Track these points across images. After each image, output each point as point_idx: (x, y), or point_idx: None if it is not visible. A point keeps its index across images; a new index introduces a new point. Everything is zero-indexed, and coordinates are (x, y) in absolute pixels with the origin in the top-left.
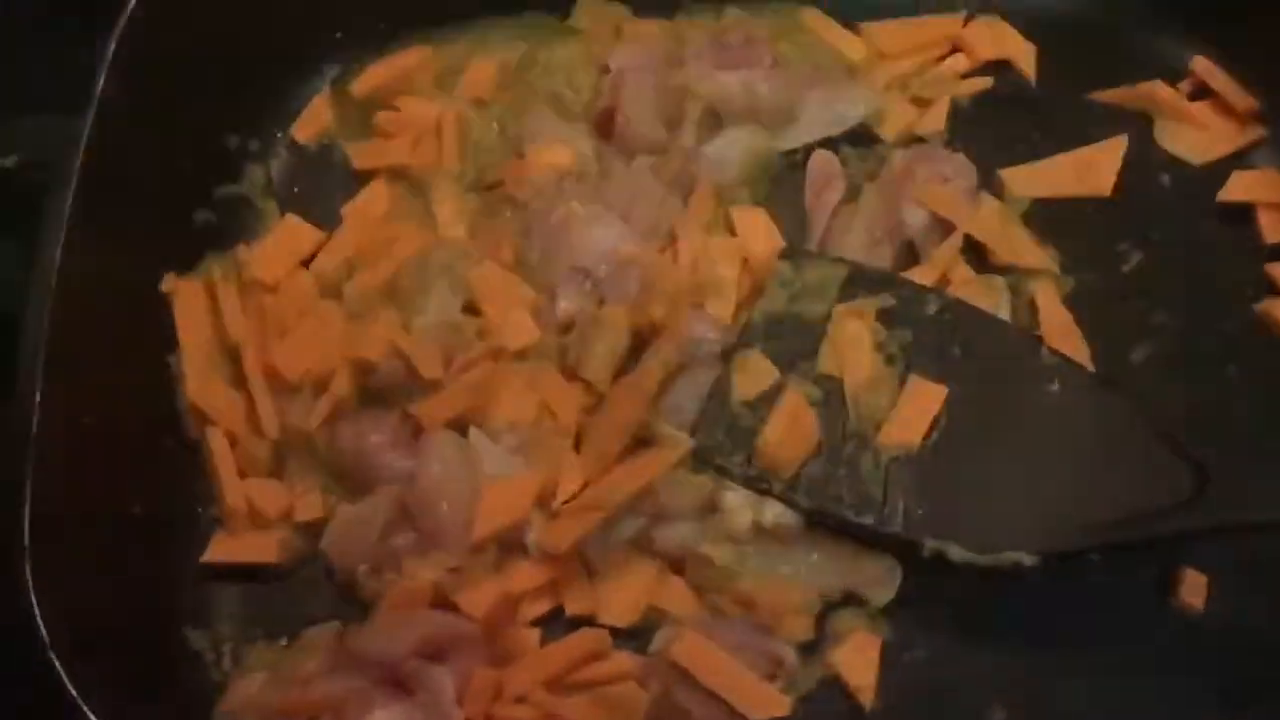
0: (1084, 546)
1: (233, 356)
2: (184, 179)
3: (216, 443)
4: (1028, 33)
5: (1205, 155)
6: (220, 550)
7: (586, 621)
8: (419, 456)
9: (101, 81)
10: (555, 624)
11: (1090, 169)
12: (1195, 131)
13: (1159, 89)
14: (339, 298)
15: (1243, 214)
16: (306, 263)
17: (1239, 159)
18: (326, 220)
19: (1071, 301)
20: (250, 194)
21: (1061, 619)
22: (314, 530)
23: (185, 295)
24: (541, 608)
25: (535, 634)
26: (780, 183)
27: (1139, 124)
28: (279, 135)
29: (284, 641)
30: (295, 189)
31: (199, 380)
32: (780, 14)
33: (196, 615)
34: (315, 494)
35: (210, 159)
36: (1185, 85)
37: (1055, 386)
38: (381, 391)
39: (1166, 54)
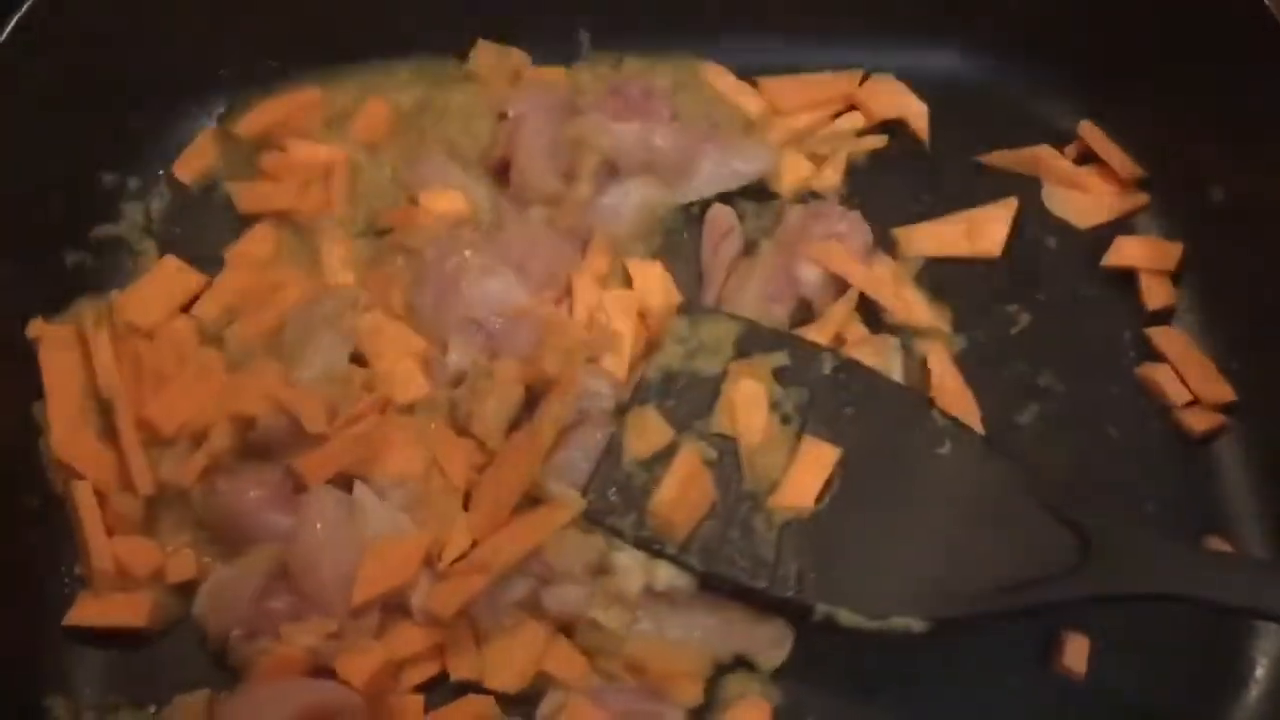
0: (971, 614)
1: (103, 406)
2: (56, 218)
3: (83, 498)
4: (921, 93)
5: (1090, 219)
6: (85, 613)
7: (472, 687)
8: (300, 514)
9: None
10: (439, 690)
11: (981, 230)
12: (1081, 196)
13: (1046, 153)
14: (220, 345)
15: (1126, 278)
16: (186, 308)
17: (1123, 224)
18: (208, 264)
19: (962, 361)
20: (127, 235)
21: (950, 684)
22: (186, 592)
23: (53, 341)
24: (425, 673)
25: (418, 701)
26: (676, 236)
27: (1027, 186)
28: (159, 173)
29: (152, 710)
30: (175, 230)
31: (65, 431)
32: (679, 66)
33: (58, 681)
34: (188, 553)
35: (85, 197)
36: (1072, 150)
37: (945, 450)
38: (262, 445)
39: (1054, 118)
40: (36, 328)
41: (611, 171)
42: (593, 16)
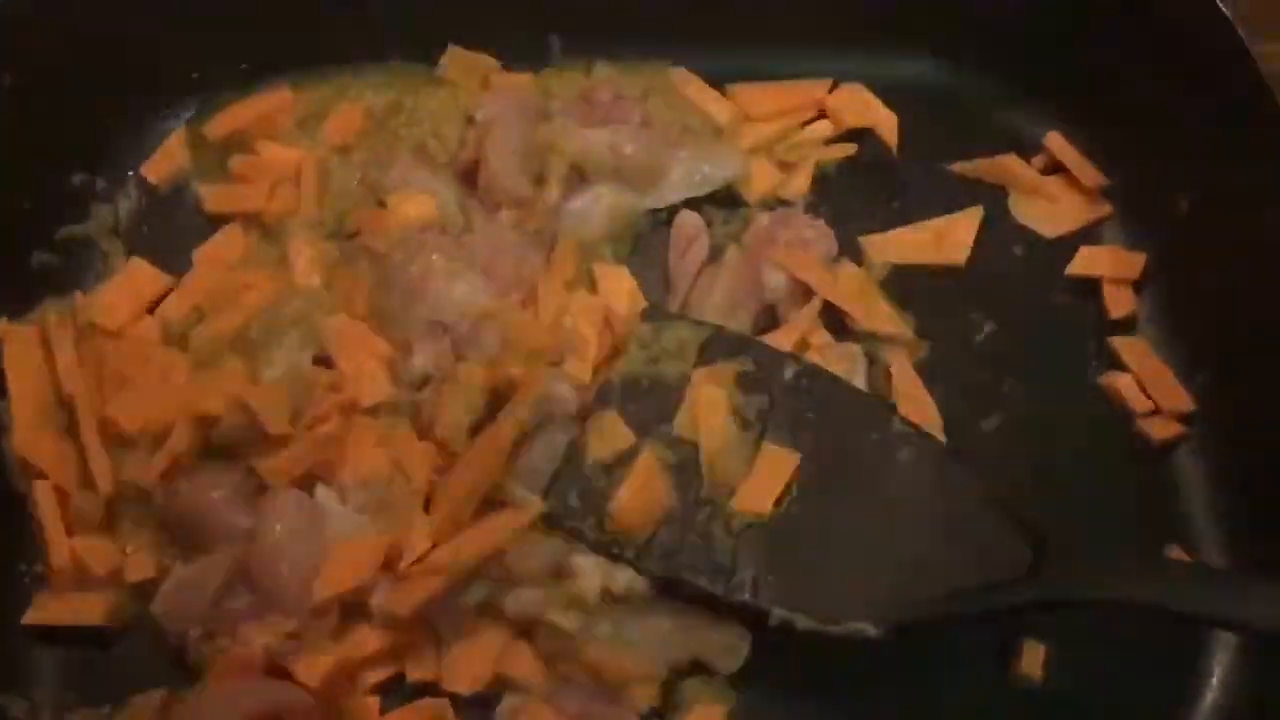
0: (926, 619)
1: (67, 406)
2: (23, 218)
3: (43, 497)
4: (890, 102)
5: (1056, 229)
6: (43, 611)
7: (430, 689)
8: (260, 515)
9: None
10: (397, 692)
11: (947, 238)
12: (1047, 205)
13: (1013, 162)
14: (185, 346)
15: (1090, 287)
16: (152, 309)
17: (1088, 234)
18: (176, 265)
19: (925, 369)
20: (95, 235)
21: (906, 689)
22: (145, 591)
23: (17, 341)
24: (382, 674)
25: (375, 703)
26: (644, 241)
27: (994, 195)
28: (129, 174)
29: (107, 710)
30: (144, 231)
31: (28, 430)
32: (650, 73)
33: (14, 680)
34: (148, 553)
35: (53, 197)
36: (1039, 160)
37: (905, 456)
38: (225, 446)
39: (1022, 128)
40: (0, 328)
41: (580, 176)
42: (563, 22)
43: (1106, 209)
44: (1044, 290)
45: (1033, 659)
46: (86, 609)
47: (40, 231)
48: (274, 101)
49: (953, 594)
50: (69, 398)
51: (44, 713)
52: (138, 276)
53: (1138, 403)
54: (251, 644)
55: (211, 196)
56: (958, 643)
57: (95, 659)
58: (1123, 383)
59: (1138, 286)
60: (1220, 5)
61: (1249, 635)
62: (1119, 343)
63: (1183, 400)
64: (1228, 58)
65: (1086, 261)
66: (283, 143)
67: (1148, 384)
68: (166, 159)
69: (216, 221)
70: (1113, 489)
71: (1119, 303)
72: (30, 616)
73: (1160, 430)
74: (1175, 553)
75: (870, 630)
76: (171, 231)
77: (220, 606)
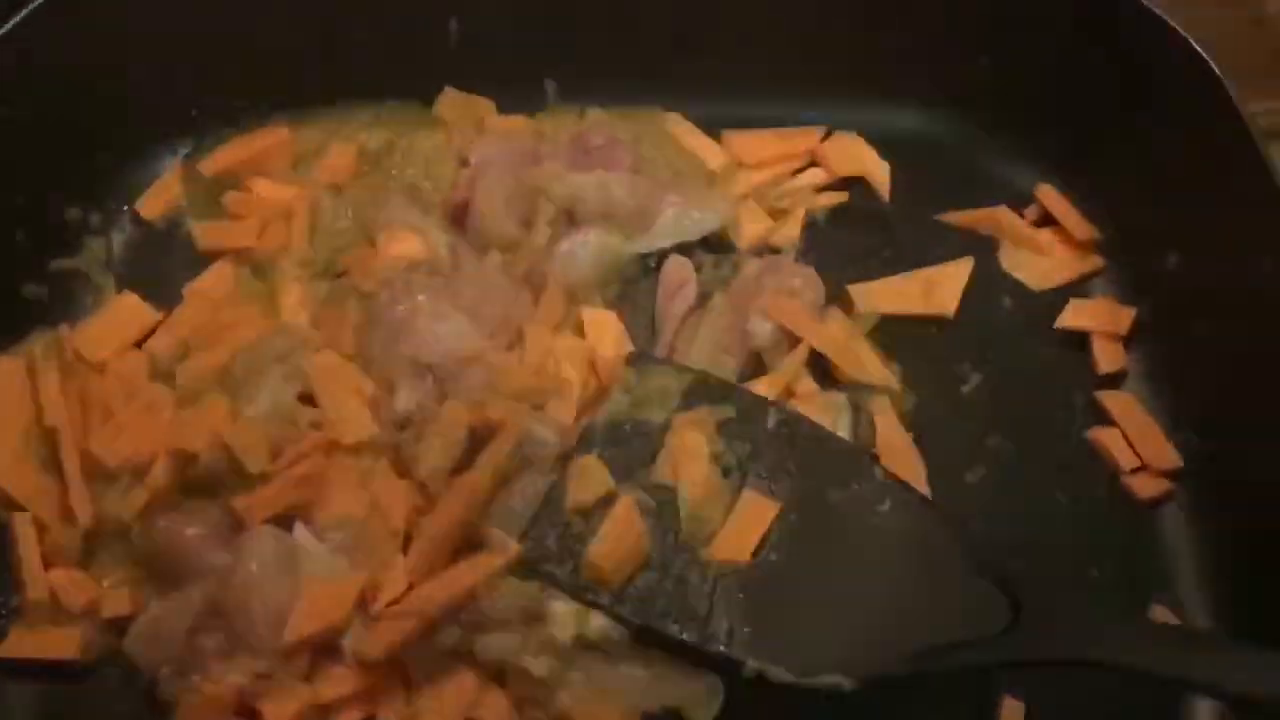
0: (901, 674)
1: (49, 438)
2: (14, 250)
3: (21, 529)
4: (883, 152)
5: (1046, 281)
6: (17, 645)
7: None
8: (237, 553)
9: None
10: None
11: (936, 288)
12: (1037, 257)
13: (1004, 214)
14: (171, 381)
15: (1079, 341)
16: (141, 343)
17: (1077, 287)
18: (167, 300)
19: (911, 419)
20: (87, 269)
21: None
22: (120, 627)
23: (2, 372)
24: (353, 717)
25: None
26: (632, 285)
27: (985, 246)
28: (124, 209)
29: None
30: (137, 266)
31: (9, 462)
32: (643, 118)
33: None
34: (124, 589)
35: (46, 230)
36: (1030, 212)
37: (885, 508)
38: (205, 482)
39: (1014, 180)
40: None
41: (571, 220)
42: (559, 68)
43: (1097, 263)
44: (1032, 343)
45: (1011, 717)
46: (61, 643)
47: (32, 263)
48: (270, 140)
49: (928, 650)
50: (51, 430)
51: None
52: (126, 311)
53: (1124, 459)
54: (222, 683)
55: (203, 233)
56: (935, 699)
57: (68, 694)
58: (1109, 438)
59: (1127, 341)
60: (1211, 63)
61: (1227, 701)
62: (1106, 397)
63: (1170, 457)
64: (1218, 115)
65: (1076, 315)
66: (277, 181)
67: (1135, 440)
68: (161, 194)
69: (209, 257)
70: (1097, 545)
71: (1108, 357)
72: (3, 650)
73: (1146, 487)
74: (1159, 612)
75: (844, 684)
76: (163, 266)
77: (193, 644)
